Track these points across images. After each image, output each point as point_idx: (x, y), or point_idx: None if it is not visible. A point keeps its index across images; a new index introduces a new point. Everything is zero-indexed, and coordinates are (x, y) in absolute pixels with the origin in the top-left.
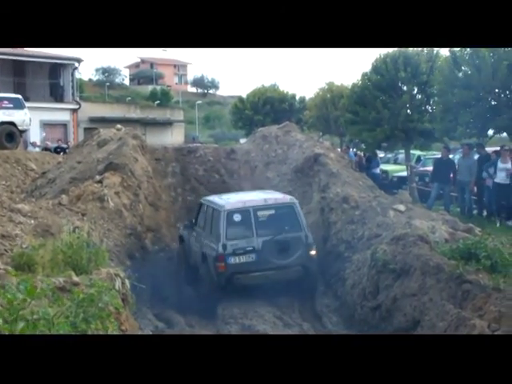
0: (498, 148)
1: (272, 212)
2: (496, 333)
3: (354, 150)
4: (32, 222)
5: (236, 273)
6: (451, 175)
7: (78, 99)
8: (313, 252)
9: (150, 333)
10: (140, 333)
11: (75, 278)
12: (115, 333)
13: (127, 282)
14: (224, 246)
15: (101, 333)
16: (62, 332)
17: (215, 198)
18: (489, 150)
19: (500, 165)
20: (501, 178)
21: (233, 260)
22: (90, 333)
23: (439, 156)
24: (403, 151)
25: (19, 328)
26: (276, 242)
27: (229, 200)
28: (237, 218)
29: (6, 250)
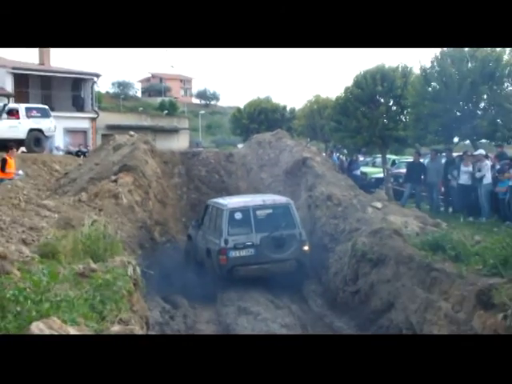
0: (462, 153)
1: (270, 211)
2: (458, 313)
3: (338, 154)
4: (56, 215)
5: (236, 265)
6: (422, 177)
7: (96, 109)
8: (306, 247)
9: (159, 313)
10: (149, 313)
11: (93, 265)
12: (128, 313)
13: (138, 268)
14: (226, 241)
15: (115, 313)
16: (80, 312)
17: (219, 200)
18: (454, 154)
19: (463, 168)
20: (464, 179)
21: (234, 254)
22: (105, 312)
23: (411, 160)
24: (380, 155)
25: (45, 308)
26: (273, 238)
27: (231, 201)
28: (238, 216)
29: (33, 240)
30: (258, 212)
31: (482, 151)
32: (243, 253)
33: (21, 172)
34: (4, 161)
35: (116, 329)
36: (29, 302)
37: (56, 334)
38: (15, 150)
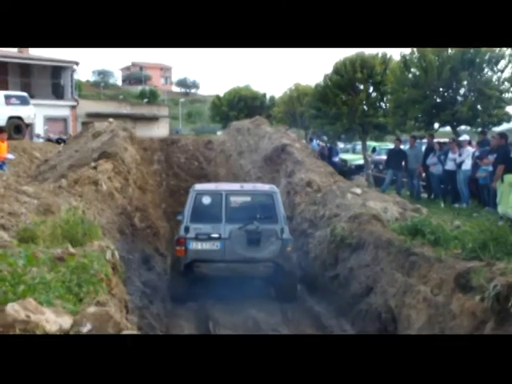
0: (442, 140)
1: (247, 199)
2: (437, 297)
3: (318, 141)
4: (35, 201)
5: (197, 260)
6: (403, 163)
7: (76, 97)
8: (289, 248)
9: (139, 298)
10: (128, 297)
11: (71, 250)
12: (105, 296)
13: (116, 253)
14: (186, 229)
15: (92, 295)
16: (57, 294)
17: (197, 184)
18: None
19: (450, 155)
20: (450, 165)
21: (194, 245)
22: (82, 295)
23: (392, 147)
24: (360, 142)
25: (20, 290)
26: (246, 231)
27: (204, 184)
28: (206, 200)
29: (12, 226)
30: (233, 199)
31: (466, 137)
32: (207, 246)
33: (11, 156)
34: None
35: (92, 310)
36: (6, 284)
37: (33, 316)
38: (6, 133)
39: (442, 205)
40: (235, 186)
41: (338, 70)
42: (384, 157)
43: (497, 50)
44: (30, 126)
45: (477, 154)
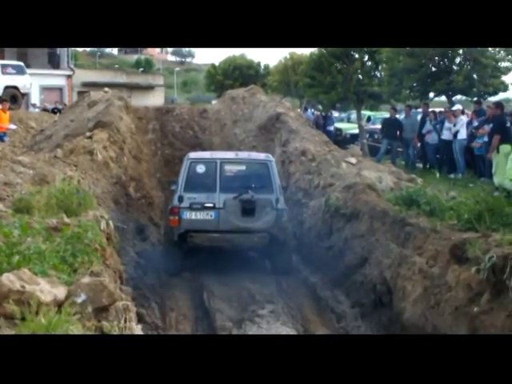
0: (436, 109)
1: (242, 168)
2: (432, 268)
3: (312, 110)
4: (31, 171)
5: (190, 230)
6: (398, 133)
7: (72, 66)
8: (284, 219)
9: (133, 269)
10: (123, 268)
11: (66, 220)
12: (100, 266)
13: (111, 223)
14: (180, 198)
15: (86, 266)
16: (51, 264)
17: (191, 152)
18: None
19: (446, 124)
20: (446, 135)
21: (188, 215)
22: (76, 265)
23: (388, 116)
24: (355, 111)
25: (15, 260)
26: (240, 201)
27: (198, 152)
28: (200, 169)
29: (7, 196)
30: (227, 167)
31: (459, 106)
32: (200, 215)
33: (13, 125)
34: None
35: (86, 280)
36: (1, 254)
37: (27, 286)
38: (7, 103)
39: (438, 175)
40: (230, 155)
41: None
42: (379, 126)
43: None
44: (25, 95)
45: (475, 123)
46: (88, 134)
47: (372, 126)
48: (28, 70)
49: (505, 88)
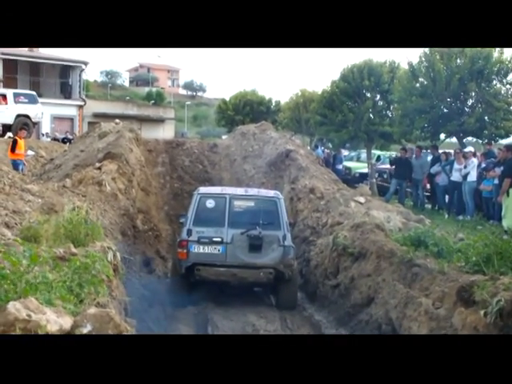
0: (447, 150)
1: (251, 204)
2: (438, 310)
3: (323, 148)
4: (39, 200)
5: (198, 264)
6: (408, 173)
7: (84, 97)
8: (290, 256)
9: (138, 301)
10: (128, 299)
11: (73, 250)
12: (106, 297)
13: (118, 254)
14: (189, 232)
15: (93, 296)
16: (58, 294)
17: (201, 187)
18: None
19: (456, 165)
20: (456, 176)
21: (196, 249)
22: (83, 296)
23: (398, 156)
24: (365, 150)
25: (22, 289)
26: (248, 237)
27: (208, 188)
28: (210, 204)
29: (16, 224)
30: (237, 203)
31: (471, 148)
32: (208, 249)
33: (30, 152)
34: (14, 142)
35: (92, 311)
36: (7, 282)
37: (34, 316)
38: (25, 131)
39: (446, 216)
40: (240, 191)
41: (346, 76)
42: (388, 166)
43: (506, 61)
44: (37, 124)
45: (483, 165)
46: (97, 164)
47: (381, 166)
48: (40, 100)
49: None
